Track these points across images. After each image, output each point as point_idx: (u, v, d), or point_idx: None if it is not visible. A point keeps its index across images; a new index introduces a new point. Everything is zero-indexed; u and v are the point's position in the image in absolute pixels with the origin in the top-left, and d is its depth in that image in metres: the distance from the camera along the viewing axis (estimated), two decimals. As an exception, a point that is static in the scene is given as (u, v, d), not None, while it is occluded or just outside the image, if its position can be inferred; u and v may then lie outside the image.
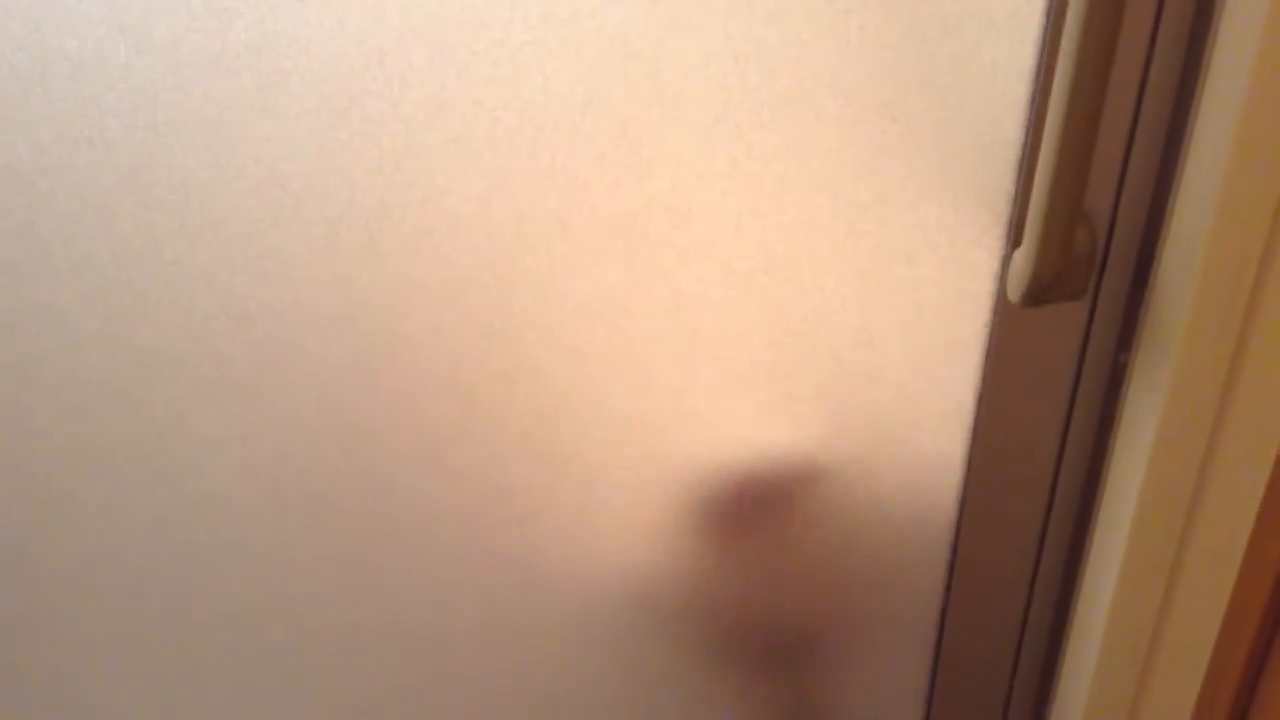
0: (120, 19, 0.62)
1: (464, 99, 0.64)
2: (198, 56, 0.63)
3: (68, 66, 0.64)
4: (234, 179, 0.67)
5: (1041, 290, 0.62)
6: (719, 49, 0.62)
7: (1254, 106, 0.56)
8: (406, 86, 0.63)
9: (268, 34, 0.62)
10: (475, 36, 0.62)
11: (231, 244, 0.69)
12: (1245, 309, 0.62)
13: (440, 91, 0.64)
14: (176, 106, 0.65)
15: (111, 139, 0.66)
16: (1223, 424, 0.65)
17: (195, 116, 0.65)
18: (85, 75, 0.64)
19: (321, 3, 0.61)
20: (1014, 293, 0.63)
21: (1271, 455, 0.67)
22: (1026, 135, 0.64)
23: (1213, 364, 0.63)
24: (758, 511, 0.79)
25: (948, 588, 0.81)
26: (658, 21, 0.61)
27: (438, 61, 0.63)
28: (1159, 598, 0.72)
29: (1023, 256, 0.61)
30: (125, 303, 0.71)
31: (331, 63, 0.63)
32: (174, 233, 0.69)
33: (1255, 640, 0.74)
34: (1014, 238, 0.66)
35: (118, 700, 0.91)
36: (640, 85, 0.63)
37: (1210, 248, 0.60)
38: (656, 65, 0.63)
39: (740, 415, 0.75)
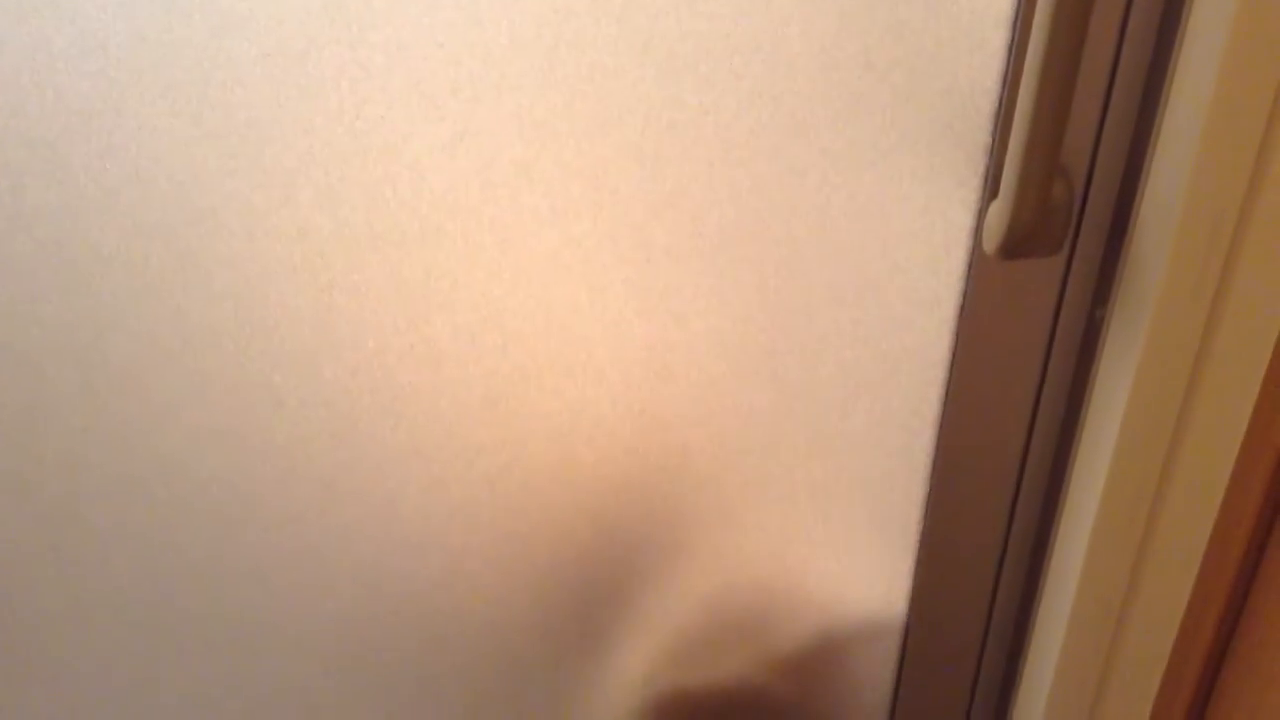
0: (67, -43, 0.60)
1: (425, 42, 0.62)
2: (150, 0, 0.61)
3: (15, 10, 0.62)
4: (188, 126, 0.65)
5: (1018, 243, 0.61)
6: (689, -8, 0.60)
7: (1233, 59, 0.55)
8: (366, 29, 0.61)
9: (221, -27, 0.60)
10: (437, -22, 0.60)
11: (187, 194, 0.67)
12: (1222, 265, 0.61)
13: (400, 34, 0.62)
14: (128, 51, 0.63)
15: (61, 85, 0.64)
16: (1198, 382, 0.65)
17: (147, 61, 0.63)
18: (34, 20, 0.62)
19: (276, -60, 0.59)
20: (990, 245, 0.62)
21: (1247, 413, 0.66)
22: (1004, 85, 0.62)
23: (1189, 320, 0.63)
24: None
25: (919, 544, 0.81)
26: (626, -37, 0.59)
27: (398, 3, 0.61)
28: (1132, 554, 0.72)
29: (999, 208, 0.60)
30: (76, 255, 0.69)
31: (288, 5, 0.61)
32: (126, 182, 0.67)
33: (1219, 623, 0.74)
34: (990, 190, 0.65)
35: (83, 658, 0.89)
36: (609, 30, 0.61)
37: (1188, 202, 0.59)
38: (622, 11, 0.61)
39: (711, 371, 0.74)
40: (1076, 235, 0.67)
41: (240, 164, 0.66)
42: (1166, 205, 0.60)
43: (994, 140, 0.64)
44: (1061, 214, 0.64)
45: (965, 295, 0.69)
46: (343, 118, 0.64)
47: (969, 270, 0.68)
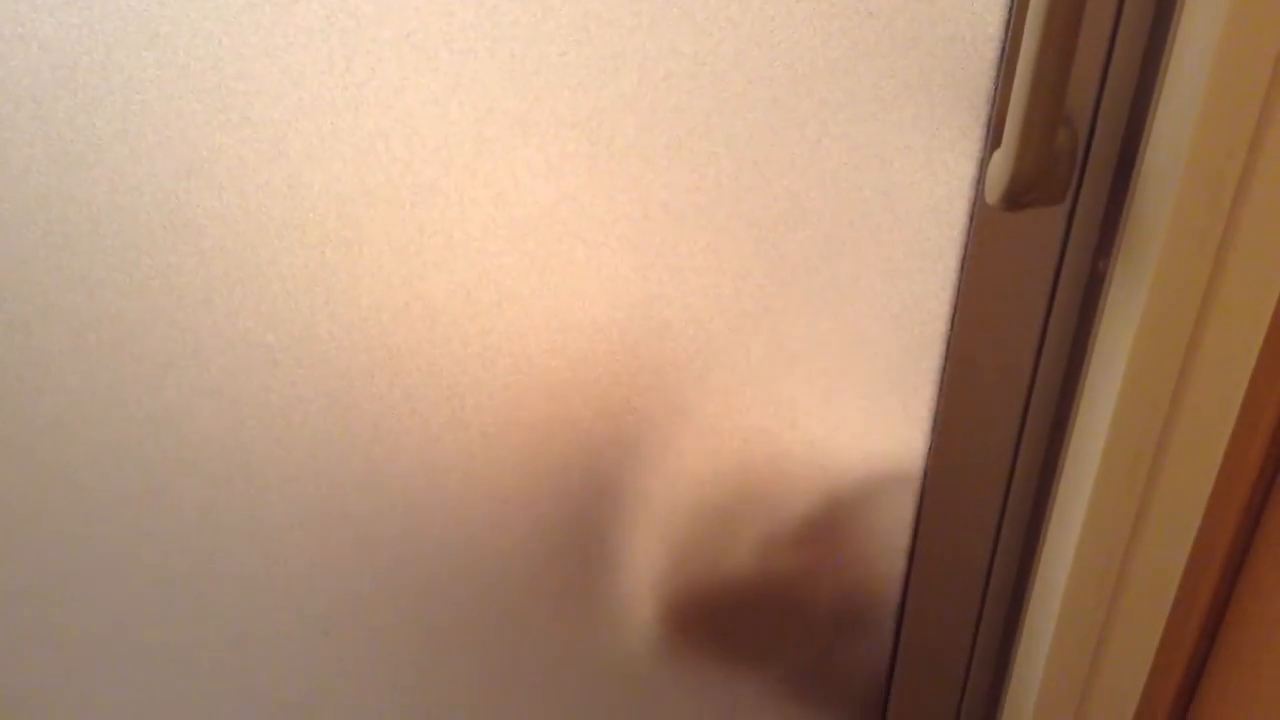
0: (47, -95, 0.59)
1: (417, -9, 0.61)
2: (132, -55, 0.60)
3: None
4: (175, 79, 0.64)
5: (1021, 192, 0.60)
6: (685, -63, 0.59)
7: (1240, 5, 0.54)
8: (355, -22, 0.60)
9: (205, -80, 0.59)
10: (427, -76, 0.59)
11: (175, 149, 0.66)
12: (1226, 215, 0.60)
13: (391, -16, 0.60)
14: (113, 3, 0.61)
15: (45, 37, 0.63)
16: (1201, 332, 0.64)
17: (132, 13, 0.62)
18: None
19: (262, -115, 0.58)
20: (992, 195, 0.61)
21: (1250, 366, 0.66)
22: (1006, 31, 0.61)
23: (1193, 271, 0.62)
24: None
25: (920, 498, 0.80)
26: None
27: (388, -49, 0.59)
28: (1133, 507, 0.72)
29: (1002, 157, 0.59)
30: (65, 212, 0.68)
31: (275, -48, 0.60)
32: (114, 138, 0.66)
33: (1205, 618, 0.74)
34: (993, 138, 0.64)
35: (77, 618, 0.89)
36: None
37: (1192, 151, 0.58)
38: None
39: (709, 326, 0.73)
40: (1080, 185, 0.66)
41: (229, 118, 0.65)
42: (1171, 154, 0.60)
43: (997, 88, 0.63)
44: (1065, 163, 0.63)
45: (967, 246, 0.68)
46: (333, 70, 0.63)
47: (971, 221, 0.68)
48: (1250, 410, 0.67)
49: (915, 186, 0.67)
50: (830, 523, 0.83)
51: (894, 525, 0.82)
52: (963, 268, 0.69)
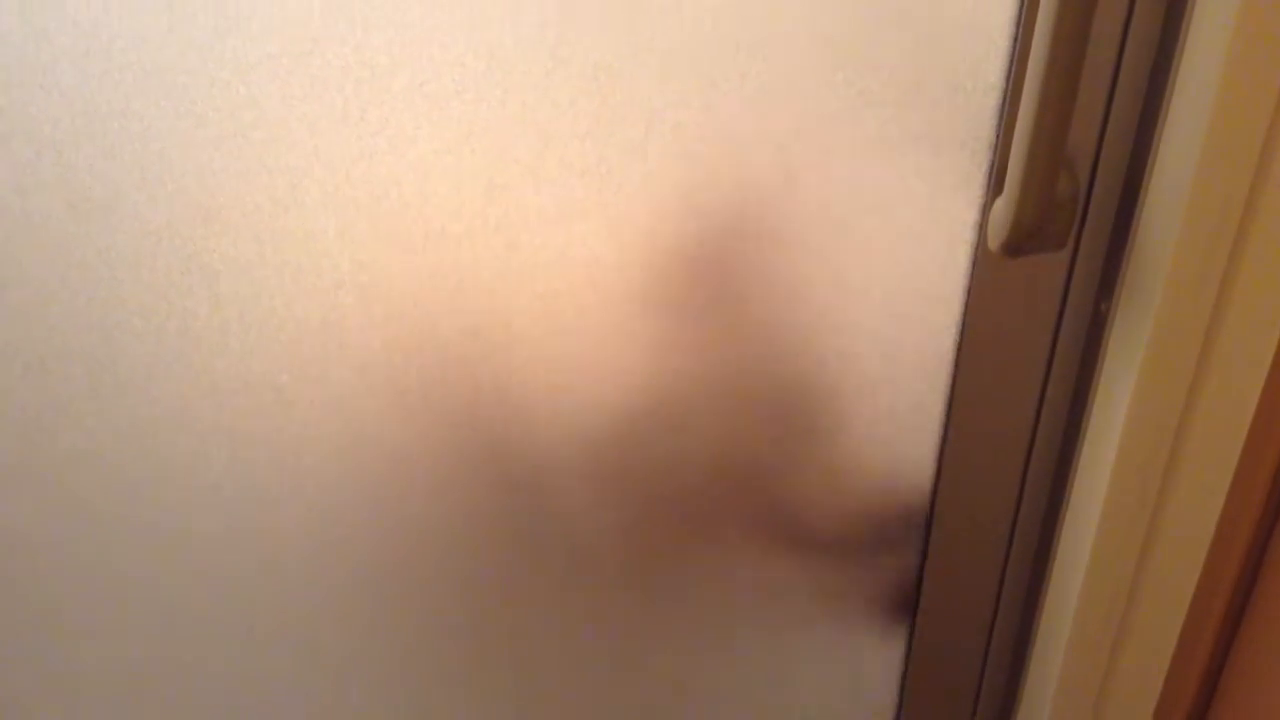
0: (71, -39, 0.60)
1: (430, 43, 0.62)
2: (154, 1, 0.61)
3: (19, 11, 0.62)
4: (194, 128, 0.65)
5: (1023, 239, 0.61)
6: (692, -9, 0.60)
7: (1238, 51, 0.55)
8: (369, 30, 0.61)
9: (225, -24, 0.60)
10: (441, -22, 0.60)
11: (193, 196, 0.67)
12: (1227, 257, 0.61)
13: (404, 35, 0.62)
14: (132, 53, 0.63)
15: (66, 87, 0.64)
16: (1203, 374, 0.65)
17: (152, 64, 0.63)
18: (38, 20, 0.62)
19: (280, -57, 0.59)
20: (995, 242, 0.62)
21: (1253, 404, 0.66)
22: (1007, 80, 0.62)
23: (1194, 313, 0.63)
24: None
25: (925, 540, 0.81)
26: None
27: (401, 4, 0.61)
28: (1137, 548, 0.72)
29: (1004, 204, 0.60)
30: (84, 256, 0.69)
31: (291, 6, 0.61)
32: (133, 185, 0.67)
33: (1225, 613, 0.74)
34: (995, 186, 0.65)
35: (90, 652, 0.90)
36: (612, 29, 0.61)
37: (1193, 195, 0.59)
38: (628, 10, 0.61)
39: (721, 368, 0.74)
40: (1081, 229, 0.67)
41: (246, 165, 0.66)
42: (1172, 198, 0.60)
43: (998, 136, 0.64)
44: (1066, 210, 0.64)
45: (970, 290, 0.69)
46: (348, 119, 0.64)
47: (974, 265, 0.68)
48: (1253, 449, 0.68)
49: (919, 232, 0.67)
50: (842, 557, 0.84)
51: (901, 570, 0.83)
52: (966, 310, 0.70)
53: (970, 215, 0.67)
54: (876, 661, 0.89)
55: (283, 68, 0.63)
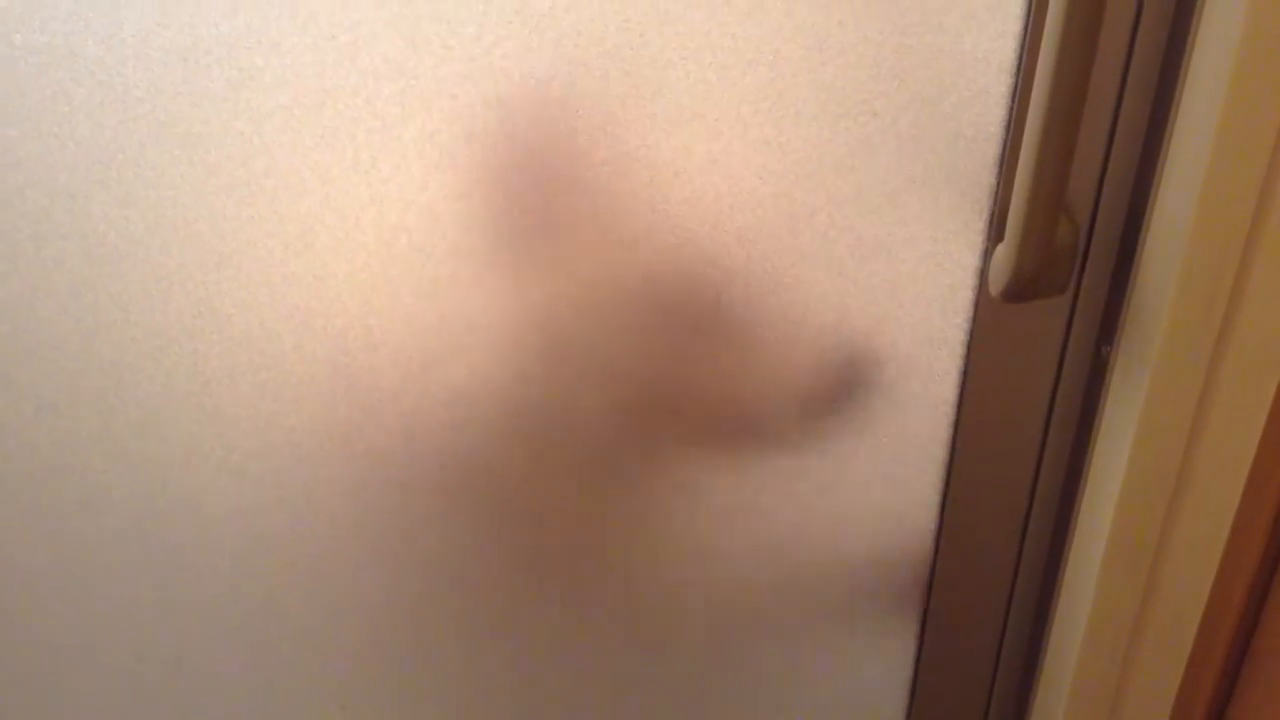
0: (89, 14, 0.61)
1: (440, 94, 0.63)
2: (168, 53, 0.62)
3: (36, 62, 0.63)
4: (206, 177, 0.66)
5: (1024, 286, 0.61)
6: (697, 44, 0.61)
7: (1236, 96, 0.55)
8: (380, 81, 0.63)
9: (238, 29, 0.61)
10: (450, 30, 0.61)
11: (205, 243, 0.68)
12: (1227, 301, 0.61)
13: (415, 85, 0.63)
14: (147, 104, 0.64)
15: (81, 136, 0.65)
16: (1204, 417, 0.65)
17: (166, 114, 0.64)
18: (54, 71, 0.63)
19: (293, -3, 0.60)
20: (995, 288, 0.63)
21: (1252, 448, 0.67)
22: (1007, 128, 0.63)
23: (1195, 357, 0.63)
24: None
25: (930, 584, 0.81)
26: (635, 15, 0.60)
27: (412, 56, 0.62)
28: (1140, 593, 0.72)
29: (1004, 251, 0.61)
30: (98, 301, 0.70)
31: (304, 58, 0.62)
32: (147, 232, 0.68)
33: (1234, 635, 0.74)
34: (995, 232, 0.66)
35: (98, 694, 0.90)
36: (618, 80, 0.62)
37: (1192, 240, 0.59)
38: (635, 61, 0.62)
39: (719, 415, 0.74)
40: (1082, 273, 0.67)
41: (258, 212, 0.67)
42: (1171, 243, 0.61)
43: (998, 183, 0.65)
44: (1066, 256, 0.65)
45: (972, 335, 0.70)
46: (358, 167, 0.65)
47: (975, 311, 0.69)
48: (1254, 492, 0.68)
49: (920, 277, 0.68)
50: (845, 593, 0.84)
51: (901, 614, 0.83)
52: (968, 354, 0.71)
53: (972, 260, 0.68)
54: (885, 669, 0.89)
55: (295, 118, 0.64)
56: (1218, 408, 0.65)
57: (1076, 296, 0.68)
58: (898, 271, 0.68)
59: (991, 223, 0.66)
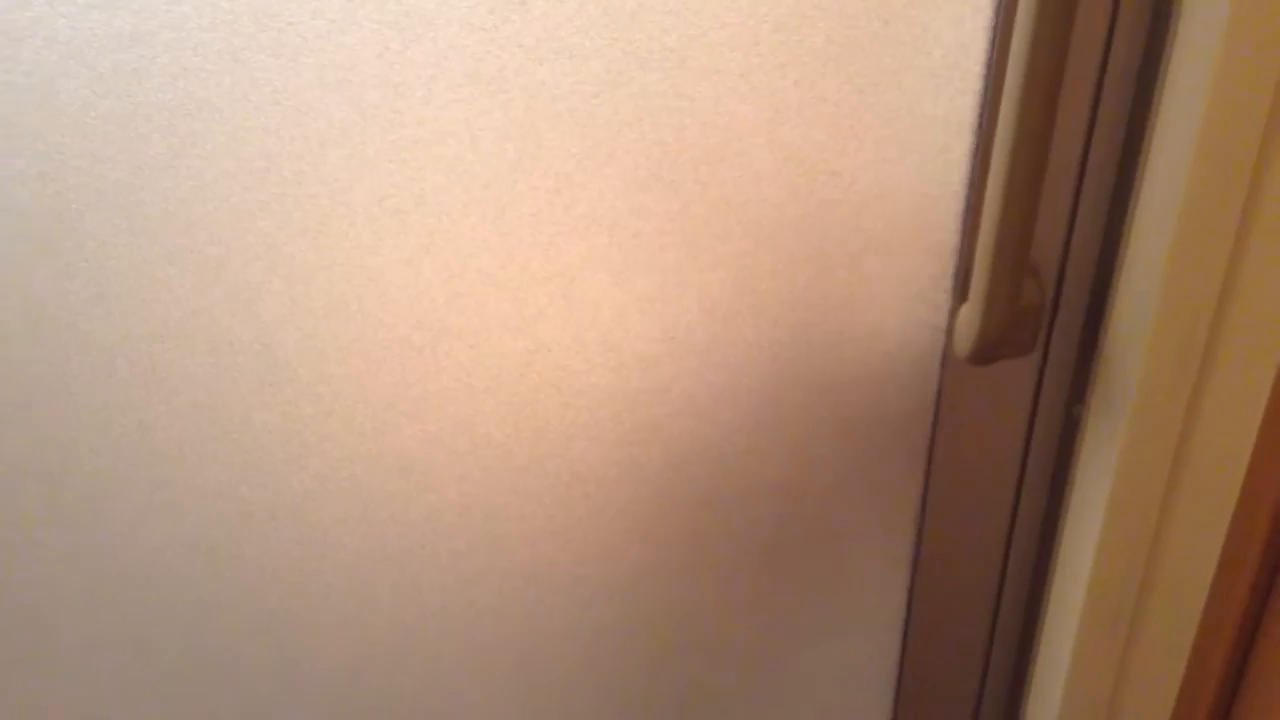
0: (25, 82, 0.60)
1: (387, 158, 0.61)
2: (106, 121, 0.60)
3: (-27, 129, 0.61)
4: (148, 245, 0.64)
5: (989, 347, 0.60)
6: (652, 105, 0.60)
7: (1205, 151, 0.54)
8: (326, 146, 0.61)
9: (178, 95, 0.60)
10: (397, 94, 0.60)
11: (149, 311, 0.66)
12: (1200, 359, 0.60)
13: (363, 149, 0.61)
14: (86, 172, 0.62)
15: (21, 207, 0.63)
16: (1179, 477, 0.64)
17: (105, 181, 0.62)
18: (-8, 138, 0.62)
19: (232, 62, 0.59)
20: (961, 351, 0.61)
21: (1229, 508, 0.65)
22: (969, 187, 0.62)
23: (1168, 416, 0.62)
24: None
25: (903, 648, 0.79)
26: (588, 78, 0.59)
27: (358, 120, 0.60)
28: (1115, 664, 0.70)
29: (969, 312, 0.60)
30: (39, 373, 0.68)
31: (246, 123, 0.60)
32: (89, 301, 0.66)
33: (1214, 706, 0.72)
34: (960, 291, 0.65)
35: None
36: (572, 141, 0.61)
37: (1164, 297, 0.58)
38: (589, 122, 0.60)
39: (692, 473, 0.73)
40: (1050, 333, 0.66)
41: (203, 280, 0.65)
42: (1141, 300, 0.60)
43: (962, 242, 0.64)
44: (1032, 316, 0.63)
45: (940, 396, 0.68)
46: (306, 232, 0.64)
47: (942, 372, 0.68)
48: (1232, 554, 0.67)
49: (885, 337, 0.67)
50: (822, 627, 0.82)
51: (871, 682, 0.81)
52: (937, 415, 0.69)
53: (939, 318, 0.66)
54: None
55: (238, 184, 0.62)
56: (1193, 468, 0.64)
57: (1046, 356, 0.67)
58: (861, 332, 0.67)
59: (957, 282, 0.65)
